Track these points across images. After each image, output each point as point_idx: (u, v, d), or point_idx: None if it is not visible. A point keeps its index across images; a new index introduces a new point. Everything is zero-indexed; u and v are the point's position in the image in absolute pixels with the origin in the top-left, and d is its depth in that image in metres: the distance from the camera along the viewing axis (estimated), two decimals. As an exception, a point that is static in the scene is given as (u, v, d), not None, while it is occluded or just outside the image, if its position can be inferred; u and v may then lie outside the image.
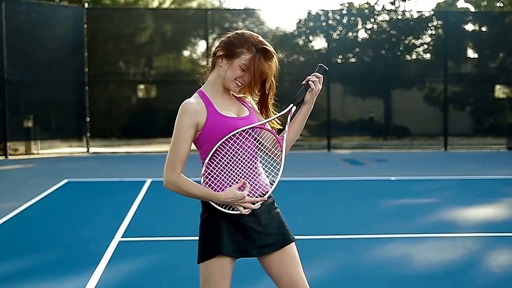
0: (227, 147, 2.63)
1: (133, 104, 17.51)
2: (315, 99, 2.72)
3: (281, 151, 2.67)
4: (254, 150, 2.69)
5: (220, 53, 2.66)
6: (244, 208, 2.62)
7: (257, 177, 2.69)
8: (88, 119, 16.14)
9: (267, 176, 2.75)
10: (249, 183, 2.66)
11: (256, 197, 2.66)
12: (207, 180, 2.65)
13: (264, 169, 2.76)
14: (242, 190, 2.61)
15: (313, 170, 11.80)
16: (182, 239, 5.96)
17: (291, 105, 2.69)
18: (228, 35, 2.68)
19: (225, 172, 2.65)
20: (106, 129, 17.09)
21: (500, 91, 19.37)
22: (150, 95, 17.85)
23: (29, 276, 4.88)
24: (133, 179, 10.41)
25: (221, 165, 2.64)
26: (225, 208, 2.62)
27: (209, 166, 2.65)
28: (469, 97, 18.14)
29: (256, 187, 2.68)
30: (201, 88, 2.75)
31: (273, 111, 2.77)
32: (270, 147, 2.72)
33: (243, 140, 2.65)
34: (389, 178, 10.51)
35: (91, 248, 5.71)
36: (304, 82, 2.71)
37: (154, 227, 6.70)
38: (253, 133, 2.68)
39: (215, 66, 2.70)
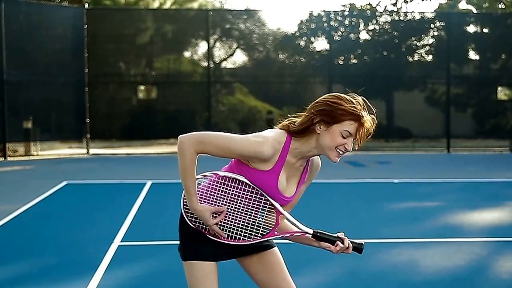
0: (242, 188, 2.55)
1: (134, 105, 17.42)
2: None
3: (262, 238, 2.58)
4: (255, 210, 2.58)
5: (318, 119, 2.46)
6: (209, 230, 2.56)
7: (237, 223, 2.58)
8: (88, 120, 16.03)
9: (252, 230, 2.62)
10: (228, 221, 2.56)
11: (231, 231, 2.57)
12: (201, 185, 2.58)
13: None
14: (217, 215, 2.52)
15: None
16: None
17: (311, 233, 2.58)
18: (321, 100, 2.49)
19: (216, 194, 2.56)
20: (106, 130, 17.00)
21: (502, 93, 19.26)
22: (151, 96, 17.75)
23: (26, 281, 4.76)
24: (133, 181, 10.30)
25: (222, 188, 2.56)
26: (191, 217, 2.58)
27: (216, 181, 2.57)
28: (472, 98, 18.04)
29: (239, 227, 2.58)
30: (294, 136, 2.51)
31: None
32: (267, 223, 2.61)
33: (258, 199, 2.56)
34: (392, 181, 10.40)
35: (90, 252, 5.60)
36: (340, 236, 2.57)
37: (155, 230, 6.58)
38: (268, 206, 2.58)
39: (311, 131, 2.50)
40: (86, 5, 16.78)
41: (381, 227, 6.73)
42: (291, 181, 2.59)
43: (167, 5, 24.22)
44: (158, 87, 17.30)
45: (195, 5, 24.89)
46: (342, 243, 2.55)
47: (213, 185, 2.57)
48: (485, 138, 18.05)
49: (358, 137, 2.49)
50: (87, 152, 15.84)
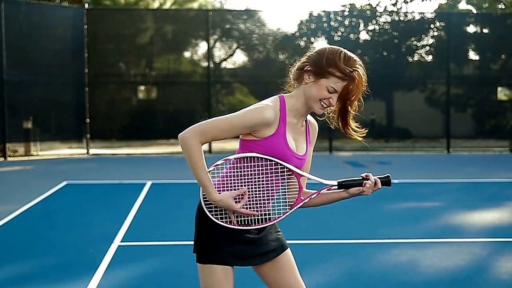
0: (256, 164, 2.50)
1: (134, 105, 17.42)
2: (356, 196, 2.58)
3: (291, 209, 2.55)
4: (275, 182, 2.53)
5: (308, 68, 2.48)
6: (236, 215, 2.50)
7: (263, 202, 2.53)
8: (88, 120, 16.04)
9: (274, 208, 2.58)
10: (253, 203, 2.52)
11: (245, 218, 2.53)
12: (214, 173, 2.53)
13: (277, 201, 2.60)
14: (240, 199, 2.47)
15: (315, 173, 11.66)
16: (183, 243, 5.83)
17: (336, 185, 2.54)
18: (318, 50, 2.51)
19: (234, 180, 2.51)
20: (106, 131, 17.00)
21: (502, 93, 19.27)
22: (151, 96, 17.76)
23: (26, 281, 4.76)
24: (133, 181, 10.30)
25: (237, 171, 2.51)
26: (215, 215, 2.51)
27: (230, 167, 2.52)
28: (471, 99, 18.05)
29: (266, 206, 2.55)
30: (285, 97, 2.55)
31: (356, 127, 2.59)
32: (291, 192, 2.59)
33: (274, 170, 2.51)
34: (392, 181, 10.37)
35: (90, 253, 5.60)
36: (364, 175, 2.54)
37: (154, 231, 6.58)
38: (286, 174, 2.53)
39: (301, 81, 2.52)
40: (86, 5, 16.78)
41: (381, 227, 6.73)
42: (299, 140, 2.58)
43: (167, 5, 24.23)
44: (158, 87, 17.30)
45: (195, 5, 24.90)
46: (368, 185, 2.52)
47: (228, 173, 2.52)
48: (485, 138, 18.06)
49: (349, 96, 2.48)
50: (87, 152, 15.84)
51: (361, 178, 2.54)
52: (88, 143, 15.99)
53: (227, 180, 2.51)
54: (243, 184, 2.50)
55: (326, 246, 5.95)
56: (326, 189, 2.56)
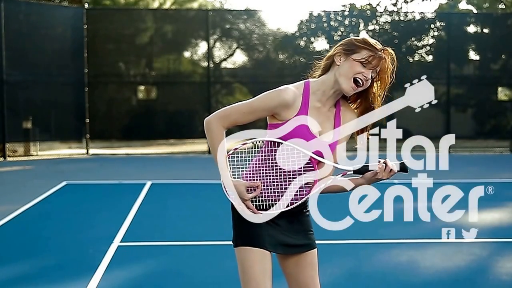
0: (274, 148, 2.53)
1: (133, 105, 17.41)
2: (371, 184, 2.58)
3: (308, 193, 2.57)
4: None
5: (337, 51, 2.51)
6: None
7: (281, 188, 2.55)
8: (87, 120, 16.03)
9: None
10: (269, 188, 2.55)
11: (264, 203, 2.55)
12: (233, 157, 2.57)
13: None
14: (252, 191, 2.51)
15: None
16: (183, 244, 5.83)
17: (352, 170, 2.54)
18: (347, 38, 2.56)
19: (254, 166, 2.56)
20: (105, 131, 16.99)
21: (502, 94, 19.26)
22: (150, 96, 17.75)
23: (26, 281, 4.76)
24: (133, 181, 10.29)
25: (261, 156, 2.56)
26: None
27: (262, 156, 2.57)
28: (472, 99, 18.04)
29: (272, 194, 2.56)
30: (310, 81, 2.57)
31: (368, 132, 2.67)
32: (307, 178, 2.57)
33: (291, 154, 2.52)
34: (392, 181, 10.37)
35: (90, 253, 5.59)
36: (382, 161, 2.54)
37: (154, 231, 6.57)
38: (302, 158, 2.53)
39: (331, 68, 2.54)
40: (86, 5, 16.77)
41: (381, 227, 6.72)
42: (325, 125, 2.57)
43: (167, 5, 24.22)
44: (157, 87, 17.29)
45: (195, 5, 24.89)
46: (382, 167, 2.52)
47: (258, 160, 2.57)
48: (485, 138, 18.05)
49: (379, 75, 2.53)
50: (87, 152, 15.83)
51: (377, 163, 2.53)
52: (88, 143, 15.98)
53: (254, 165, 2.56)
54: (263, 169, 2.54)
55: (326, 246, 5.93)
56: (341, 174, 2.57)
